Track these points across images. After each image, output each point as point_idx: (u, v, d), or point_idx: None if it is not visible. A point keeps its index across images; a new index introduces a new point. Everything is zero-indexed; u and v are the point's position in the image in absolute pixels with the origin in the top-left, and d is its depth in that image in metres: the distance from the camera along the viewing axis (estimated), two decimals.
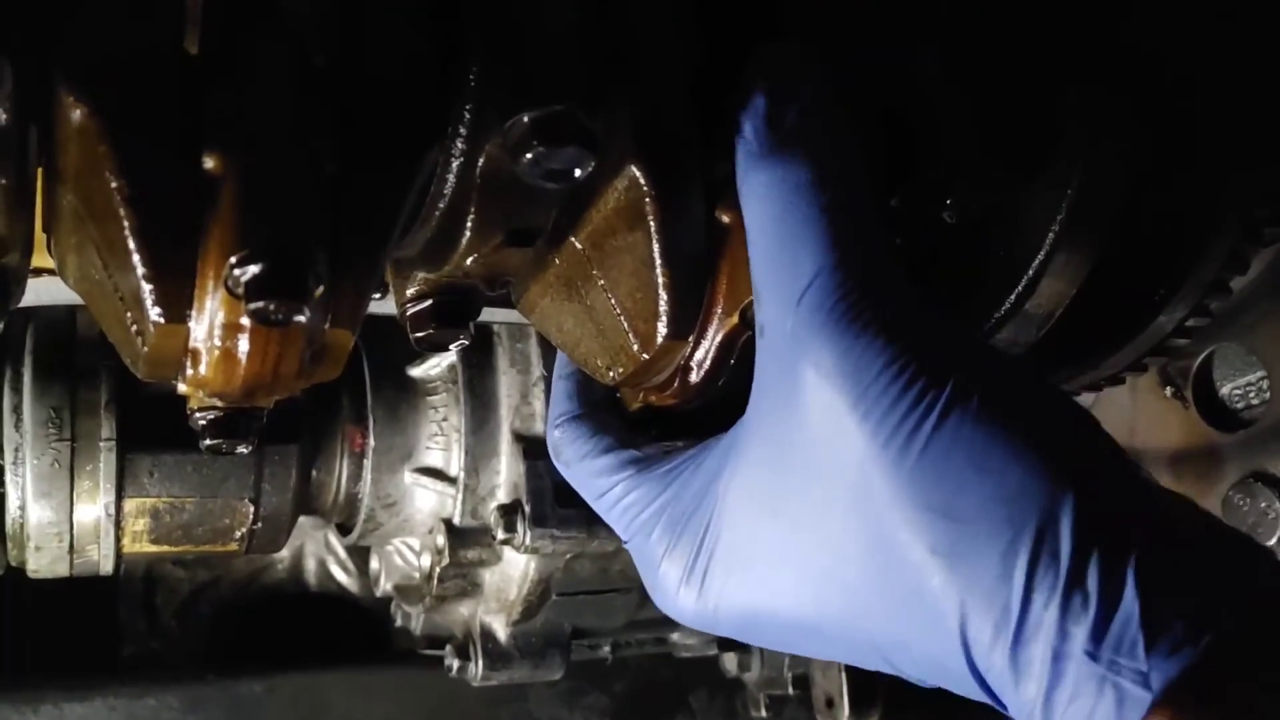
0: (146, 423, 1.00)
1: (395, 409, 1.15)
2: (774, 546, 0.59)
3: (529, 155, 0.54)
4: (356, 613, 1.49)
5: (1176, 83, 0.76)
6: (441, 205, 0.59)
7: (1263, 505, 0.98)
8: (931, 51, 0.71)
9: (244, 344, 0.52)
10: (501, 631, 1.21)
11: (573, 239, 0.65)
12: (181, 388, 0.55)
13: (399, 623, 1.37)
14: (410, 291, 0.67)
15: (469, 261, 0.62)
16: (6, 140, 0.50)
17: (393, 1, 0.57)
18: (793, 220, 0.58)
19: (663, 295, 0.62)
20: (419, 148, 0.57)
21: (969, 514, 0.52)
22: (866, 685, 1.33)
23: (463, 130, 0.57)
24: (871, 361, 0.54)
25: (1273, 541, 0.97)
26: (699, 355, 0.65)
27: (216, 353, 0.52)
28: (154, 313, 0.51)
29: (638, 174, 0.61)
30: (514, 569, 1.16)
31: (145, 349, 0.52)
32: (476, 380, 1.14)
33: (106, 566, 1.03)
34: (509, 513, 1.09)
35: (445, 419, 1.15)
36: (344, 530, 1.20)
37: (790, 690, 1.41)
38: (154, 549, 1.04)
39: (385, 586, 1.27)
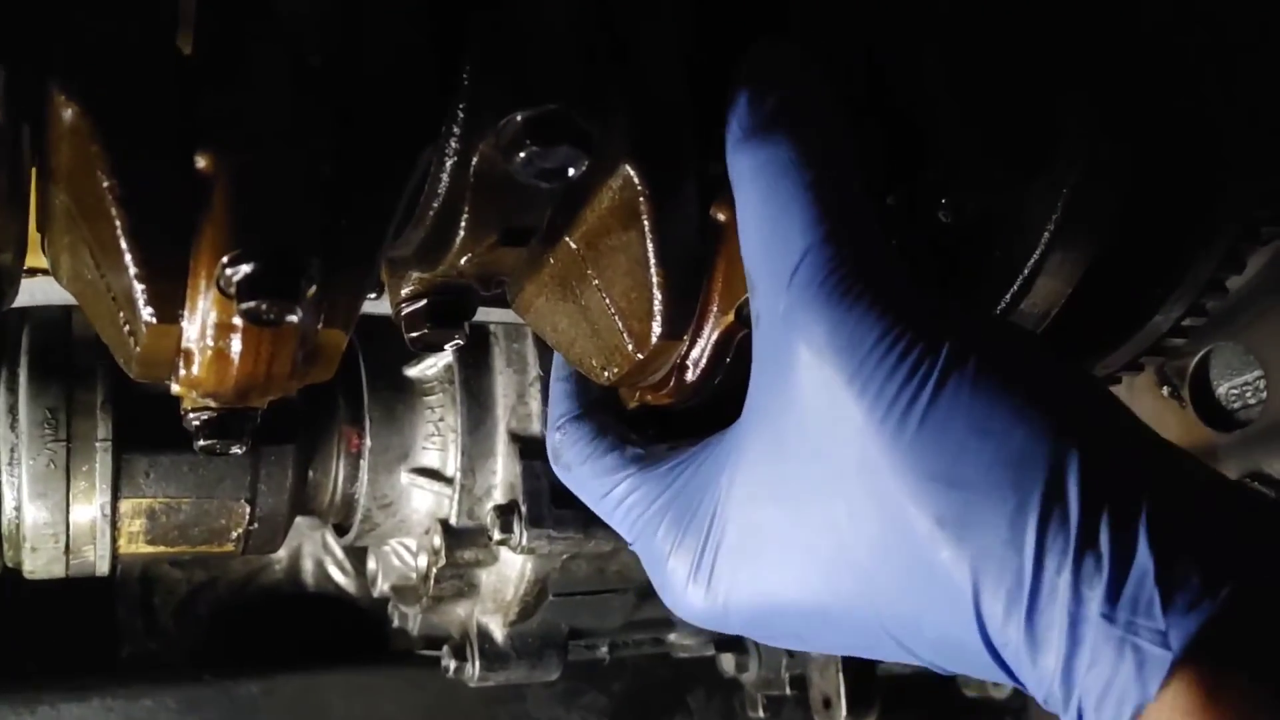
0: (142, 423, 0.99)
1: (392, 409, 1.14)
2: (780, 534, 0.57)
3: (522, 154, 0.54)
4: (354, 613, 1.49)
5: (1176, 83, 0.76)
6: (436, 205, 0.59)
7: None
8: (932, 51, 0.71)
9: (236, 344, 0.52)
10: (498, 632, 1.20)
11: (567, 238, 0.65)
12: (175, 388, 0.55)
13: (396, 623, 1.37)
14: (405, 291, 0.67)
15: (463, 261, 0.62)
16: (0, 140, 0.50)
17: (387, 1, 0.57)
18: (779, 199, 0.57)
19: (657, 295, 0.61)
20: (413, 147, 0.57)
21: (974, 480, 0.50)
22: (864, 685, 1.33)
23: (457, 129, 0.57)
24: (866, 334, 0.54)
25: None
26: (695, 354, 0.65)
27: (209, 353, 0.52)
28: (146, 313, 0.51)
29: (632, 174, 0.61)
30: (511, 569, 1.15)
31: (138, 349, 0.52)
32: (473, 380, 1.14)
33: (103, 567, 1.03)
34: (505, 513, 1.09)
35: (442, 419, 1.15)
36: (341, 531, 1.20)
37: (788, 690, 1.41)
38: (150, 550, 1.04)
39: (382, 587, 1.27)
